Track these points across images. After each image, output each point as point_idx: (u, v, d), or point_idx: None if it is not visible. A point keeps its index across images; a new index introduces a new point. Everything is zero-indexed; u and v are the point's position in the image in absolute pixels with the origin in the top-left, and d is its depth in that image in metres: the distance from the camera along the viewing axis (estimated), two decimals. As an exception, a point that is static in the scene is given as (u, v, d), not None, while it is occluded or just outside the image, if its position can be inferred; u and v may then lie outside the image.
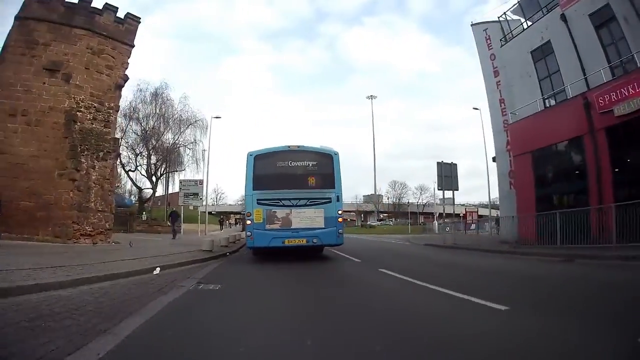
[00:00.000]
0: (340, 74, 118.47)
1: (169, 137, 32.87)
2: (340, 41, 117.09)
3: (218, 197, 78.48)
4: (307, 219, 9.55)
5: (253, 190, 9.73)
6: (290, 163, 10.02)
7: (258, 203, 9.63)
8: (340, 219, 9.98)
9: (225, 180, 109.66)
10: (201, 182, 26.18)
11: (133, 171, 33.59)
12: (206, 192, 30.88)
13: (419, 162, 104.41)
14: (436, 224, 45.08)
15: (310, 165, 10.12)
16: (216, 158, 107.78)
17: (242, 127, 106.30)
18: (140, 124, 31.54)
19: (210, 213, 61.77)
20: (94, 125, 14.31)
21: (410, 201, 78.36)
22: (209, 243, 12.15)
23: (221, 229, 35.58)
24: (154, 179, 33.49)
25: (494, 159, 30.37)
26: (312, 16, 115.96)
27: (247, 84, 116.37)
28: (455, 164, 20.13)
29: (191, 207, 30.35)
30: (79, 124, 14.25)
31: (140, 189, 34.72)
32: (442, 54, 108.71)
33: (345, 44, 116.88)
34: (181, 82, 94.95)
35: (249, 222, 9.77)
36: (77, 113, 14.34)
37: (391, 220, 74.74)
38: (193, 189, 25.38)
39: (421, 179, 73.03)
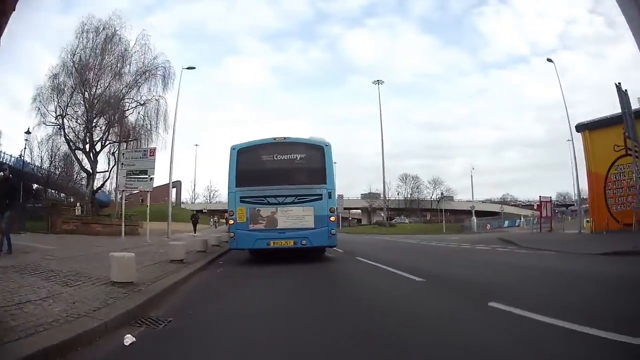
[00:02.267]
0: (340, 75, 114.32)
1: (114, 88, 22.50)
2: (341, 42, 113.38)
3: (211, 195, 70.36)
4: (295, 218, 8.60)
5: (236, 187, 8.85)
6: (276, 156, 9.06)
7: (241, 201, 8.74)
8: (332, 218, 8.77)
9: (219, 178, 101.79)
10: (152, 152, 16.02)
11: (81, 149, 23.19)
12: (171, 173, 21.21)
13: (417, 161, 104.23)
14: (475, 221, 36.97)
15: (299, 158, 9.10)
16: (208, 155, 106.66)
17: (241, 127, 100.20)
18: (82, 82, 21.48)
19: (200, 211, 52.86)
20: None
21: (424, 197, 69.56)
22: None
23: (195, 231, 25.50)
24: (93, 153, 22.99)
25: (577, 128, 20.99)
26: (313, 18, 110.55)
27: (247, 84, 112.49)
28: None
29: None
30: None
31: (89, 174, 24.26)
32: (441, 55, 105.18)
33: (346, 45, 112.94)
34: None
35: (231, 221, 8.93)
36: None
37: (406, 218, 65.65)
38: (140, 163, 15.37)
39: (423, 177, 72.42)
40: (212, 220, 43.34)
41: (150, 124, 23.27)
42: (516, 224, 37.63)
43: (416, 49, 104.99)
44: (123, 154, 17.11)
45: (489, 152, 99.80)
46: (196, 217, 28.49)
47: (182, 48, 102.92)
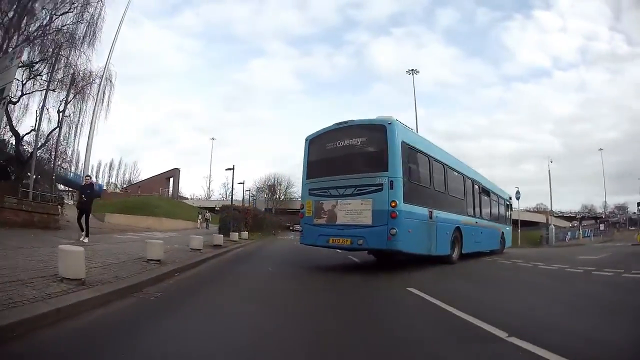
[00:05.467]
0: (364, 82, 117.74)
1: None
2: (367, 50, 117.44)
3: (227, 192, 62.53)
4: (353, 212, 7.56)
5: (307, 179, 8.76)
6: (339, 143, 8.30)
7: (309, 193, 8.51)
8: (394, 214, 7.07)
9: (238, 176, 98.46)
10: (20, 53, 8.28)
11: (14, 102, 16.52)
12: (94, 120, 13.79)
13: None
14: (553, 232, 28.09)
15: (360, 142, 8.02)
16: (228, 153, 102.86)
17: (264, 129, 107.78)
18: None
19: (212, 209, 44.65)
20: None
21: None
22: None
23: (84, 229, 10.08)
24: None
25: None
26: (341, 24, 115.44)
27: (270, 86, 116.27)
28: None
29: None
30: None
31: (18, 137, 17.39)
32: (464, 66, 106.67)
33: (371, 53, 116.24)
34: (205, 83, 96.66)
35: (301, 215, 8.70)
36: None
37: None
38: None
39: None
40: (201, 216, 30.67)
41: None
42: (575, 236, 34.74)
43: (440, 59, 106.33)
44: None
45: (507, 164, 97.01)
46: (88, 197, 10.24)
47: (207, 48, 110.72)
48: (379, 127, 7.69)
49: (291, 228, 64.82)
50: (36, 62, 15.54)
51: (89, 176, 10.30)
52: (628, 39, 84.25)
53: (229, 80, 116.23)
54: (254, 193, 43.79)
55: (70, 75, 18.47)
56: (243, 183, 30.26)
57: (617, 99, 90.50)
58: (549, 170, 34.25)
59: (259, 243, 19.76)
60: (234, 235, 16.78)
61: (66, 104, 17.79)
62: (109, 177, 70.15)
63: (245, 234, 19.84)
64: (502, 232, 14.19)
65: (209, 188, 63.45)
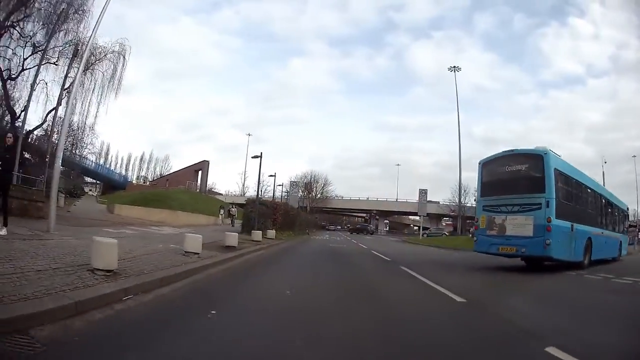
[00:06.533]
0: (402, 85, 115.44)
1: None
2: (407, 53, 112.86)
3: (263, 189, 59.83)
4: (518, 226, 9.16)
5: (481, 196, 10.47)
6: (507, 168, 9.96)
7: (483, 209, 10.06)
8: (549, 228, 8.68)
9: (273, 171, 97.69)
10: None
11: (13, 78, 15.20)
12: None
13: (470, 173, 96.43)
14: None
15: (523, 168, 9.74)
16: (267, 150, 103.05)
17: (301, 128, 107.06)
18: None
19: (242, 205, 42.22)
20: None
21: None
22: None
23: (5, 223, 6.79)
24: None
25: None
26: (382, 26, 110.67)
27: (309, 85, 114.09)
28: None
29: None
30: None
31: (14, 115, 15.33)
32: (501, 71, 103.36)
33: (411, 55, 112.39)
34: (244, 80, 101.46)
35: (476, 227, 11.10)
36: None
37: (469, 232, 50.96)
38: None
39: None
40: (223, 210, 27.02)
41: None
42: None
43: (478, 64, 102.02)
44: None
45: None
46: (7, 165, 7.08)
47: (246, 46, 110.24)
48: (537, 156, 9.23)
49: (327, 227, 61.88)
50: (20, 19, 13.03)
51: (11, 136, 7.10)
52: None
53: (268, 79, 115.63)
54: (287, 189, 40.52)
55: (73, 46, 16.02)
56: (274, 175, 27.00)
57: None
58: (603, 172, 33.41)
59: (287, 244, 16.49)
60: (257, 234, 13.50)
61: (66, 78, 15.31)
62: (139, 170, 70.51)
63: (272, 233, 16.52)
64: (621, 241, 14.60)
65: (243, 184, 61.43)
